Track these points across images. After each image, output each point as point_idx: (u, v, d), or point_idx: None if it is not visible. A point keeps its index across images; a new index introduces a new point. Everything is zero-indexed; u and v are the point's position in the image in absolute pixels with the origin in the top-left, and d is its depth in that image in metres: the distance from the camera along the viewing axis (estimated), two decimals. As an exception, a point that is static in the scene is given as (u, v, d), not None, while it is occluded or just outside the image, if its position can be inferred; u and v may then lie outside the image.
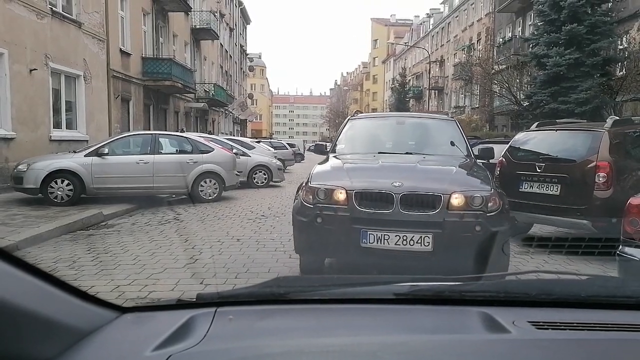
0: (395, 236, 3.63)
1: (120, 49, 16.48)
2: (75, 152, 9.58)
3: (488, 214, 3.68)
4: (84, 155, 9.15)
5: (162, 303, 1.07)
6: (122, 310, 0.97)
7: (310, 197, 3.94)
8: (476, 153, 5.25)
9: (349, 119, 5.87)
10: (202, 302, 1.01)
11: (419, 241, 3.61)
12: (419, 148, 5.08)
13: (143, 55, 18.47)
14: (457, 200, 3.69)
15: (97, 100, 14.46)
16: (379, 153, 4.85)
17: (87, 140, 12.90)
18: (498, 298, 1.00)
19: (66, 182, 8.70)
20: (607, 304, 1.00)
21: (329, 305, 1.01)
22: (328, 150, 5.50)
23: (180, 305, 1.01)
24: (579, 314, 0.95)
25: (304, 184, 4.24)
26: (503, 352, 0.80)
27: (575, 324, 0.89)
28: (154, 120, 19.67)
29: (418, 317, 0.95)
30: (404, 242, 3.63)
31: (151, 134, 10.47)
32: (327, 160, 4.81)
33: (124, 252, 5.46)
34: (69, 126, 13.28)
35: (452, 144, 5.15)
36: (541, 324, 0.88)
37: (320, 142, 6.63)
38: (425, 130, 5.60)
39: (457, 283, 1.04)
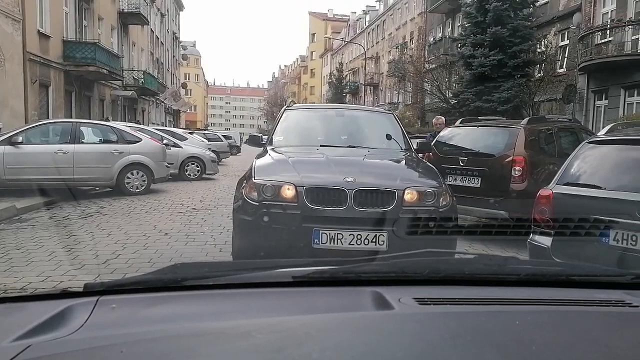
0: (349, 235, 3.45)
1: (39, 30, 15.31)
2: (-16, 140, 8.79)
3: (440, 210, 3.63)
4: (-5, 144, 8.45)
5: (38, 293, 1.00)
6: None
7: (255, 193, 3.64)
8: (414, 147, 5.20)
9: (284, 109, 5.70)
10: (85, 291, 0.95)
11: (374, 240, 3.47)
12: (360, 141, 4.96)
13: (64, 38, 17.28)
14: (410, 195, 3.60)
15: (11, 85, 13.35)
16: (321, 146, 4.66)
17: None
18: (391, 278, 1.05)
19: (-27, 172, 8.00)
20: (489, 281, 1.07)
21: (224, 290, 0.99)
22: (264, 142, 5.23)
23: (58, 295, 0.95)
24: (461, 290, 1.01)
25: (245, 179, 3.94)
26: (383, 326, 0.84)
27: (456, 299, 0.95)
28: (77, 108, 18.48)
29: (314, 299, 0.97)
30: (358, 242, 3.46)
31: (72, 122, 9.84)
32: (266, 153, 4.52)
33: (38, 248, 5.09)
34: (-22, 112, 12.19)
35: (392, 137, 5.07)
36: (425, 299, 0.93)
37: (255, 134, 6.61)
38: (364, 123, 5.49)
39: (354, 265, 1.07)
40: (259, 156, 4.44)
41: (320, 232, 3.45)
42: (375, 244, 3.47)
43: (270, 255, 3.60)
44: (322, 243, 3.46)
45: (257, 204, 3.59)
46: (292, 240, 3.52)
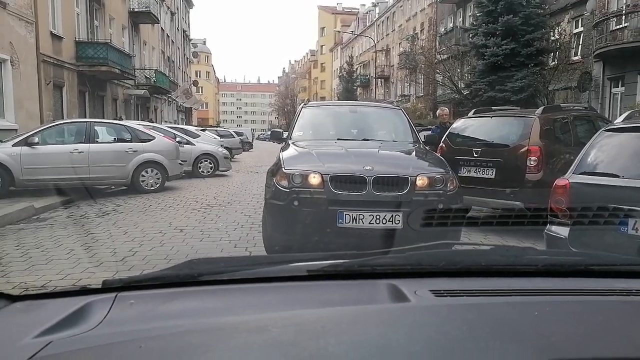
0: (369, 215, 3.89)
1: (51, 32, 15.48)
2: (2, 141, 8.96)
3: (448, 193, 4.09)
4: (12, 145, 8.61)
5: (58, 290, 1.02)
6: (12, 299, 0.92)
7: (286, 181, 4.08)
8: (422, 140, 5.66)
9: (302, 107, 6.14)
10: (103, 288, 0.97)
11: (391, 219, 3.90)
12: (373, 135, 5.44)
13: (77, 39, 17.46)
14: (421, 181, 4.06)
15: (26, 86, 13.54)
16: (338, 140, 5.12)
17: (16, 129, 12.07)
18: (406, 270, 1.04)
19: (-8, 174, 8.14)
20: (506, 272, 1.05)
21: (239, 285, 0.99)
22: (285, 137, 5.68)
23: (78, 292, 0.96)
24: (478, 282, 1.00)
25: (275, 170, 4.39)
26: (400, 319, 0.84)
27: (473, 291, 0.94)
28: (91, 107, 18.69)
29: (329, 292, 0.96)
30: (377, 221, 3.89)
31: (86, 121, 9.95)
32: (289, 146, 4.93)
33: (57, 247, 5.18)
34: (-5, 114, 12.39)
35: (401, 131, 5.59)
36: (441, 291, 0.93)
37: (276, 129, 7.01)
38: (376, 118, 5.96)
39: (369, 258, 1.06)
40: (283, 149, 4.88)
41: (344, 213, 3.91)
42: (392, 223, 3.89)
43: (299, 234, 4.09)
44: (345, 223, 3.90)
45: (288, 190, 4.04)
46: (319, 221, 3.97)
